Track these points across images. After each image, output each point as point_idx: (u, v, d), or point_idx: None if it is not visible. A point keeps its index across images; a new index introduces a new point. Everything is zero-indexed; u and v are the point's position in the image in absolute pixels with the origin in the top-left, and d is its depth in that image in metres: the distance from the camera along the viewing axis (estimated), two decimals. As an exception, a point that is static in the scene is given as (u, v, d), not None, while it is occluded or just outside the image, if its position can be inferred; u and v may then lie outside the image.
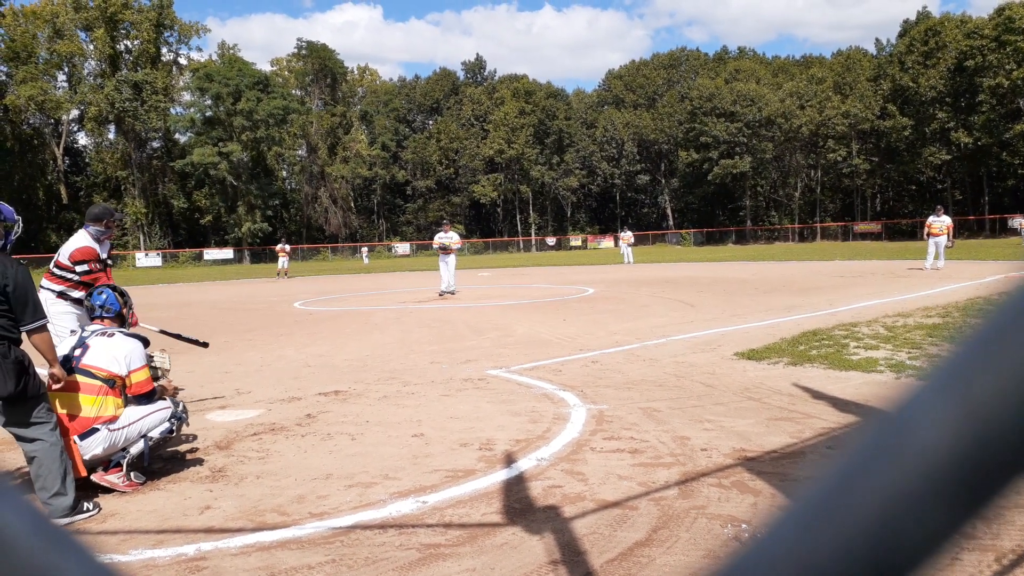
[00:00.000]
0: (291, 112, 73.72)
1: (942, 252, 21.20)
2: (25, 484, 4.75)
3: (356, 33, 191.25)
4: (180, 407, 4.95)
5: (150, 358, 5.12)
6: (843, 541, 0.29)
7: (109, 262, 6.44)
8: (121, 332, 4.89)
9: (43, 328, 4.20)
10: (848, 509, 0.29)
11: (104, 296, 5.01)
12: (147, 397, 4.76)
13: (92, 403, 4.56)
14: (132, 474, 4.62)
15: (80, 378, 4.59)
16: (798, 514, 0.30)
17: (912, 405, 0.30)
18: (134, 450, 4.63)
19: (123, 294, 5.11)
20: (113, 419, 4.59)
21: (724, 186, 77.18)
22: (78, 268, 6.07)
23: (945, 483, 0.28)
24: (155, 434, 4.73)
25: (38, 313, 4.17)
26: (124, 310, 5.06)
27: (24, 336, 4.17)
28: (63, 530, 0.33)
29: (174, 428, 4.85)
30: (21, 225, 4.79)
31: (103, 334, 4.81)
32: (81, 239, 6.22)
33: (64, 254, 6.15)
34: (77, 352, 4.68)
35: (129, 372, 4.70)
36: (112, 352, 4.70)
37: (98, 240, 6.22)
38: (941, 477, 0.28)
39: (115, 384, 4.66)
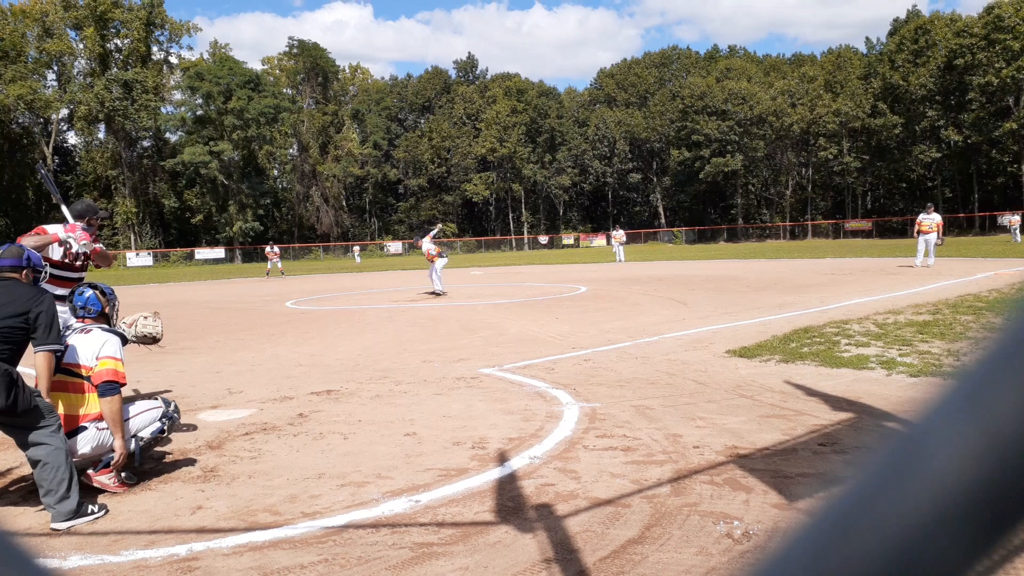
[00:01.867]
0: (282, 111, 73.52)
1: (932, 249, 21.32)
2: (21, 489, 4.73)
3: (346, 32, 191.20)
4: (171, 407, 4.93)
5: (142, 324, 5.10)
6: (855, 570, 0.27)
7: (88, 260, 6.28)
8: (99, 327, 4.85)
9: (51, 352, 4.37)
10: (861, 535, 0.27)
11: (86, 295, 4.98)
12: (110, 388, 4.56)
13: (78, 401, 4.56)
14: (123, 474, 4.60)
15: (65, 377, 4.59)
16: (808, 539, 0.28)
17: (929, 425, 0.28)
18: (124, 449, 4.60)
19: (105, 292, 5.06)
20: (101, 417, 4.57)
21: (716, 184, 77.38)
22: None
23: (965, 510, 0.26)
24: (145, 434, 4.71)
25: (54, 337, 4.37)
26: (107, 308, 5.03)
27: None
28: (10, 540, 0.32)
29: (165, 428, 4.82)
30: (48, 272, 4.96)
31: (82, 331, 4.80)
32: (49, 225, 6.10)
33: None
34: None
35: (97, 358, 4.62)
36: (88, 347, 4.67)
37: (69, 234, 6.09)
38: (960, 503, 0.26)
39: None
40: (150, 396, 5.24)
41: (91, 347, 4.68)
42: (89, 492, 4.44)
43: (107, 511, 4.16)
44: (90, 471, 4.53)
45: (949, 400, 0.28)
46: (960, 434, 0.27)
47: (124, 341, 4.93)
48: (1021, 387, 0.26)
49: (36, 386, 4.34)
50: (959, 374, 0.28)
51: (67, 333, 4.82)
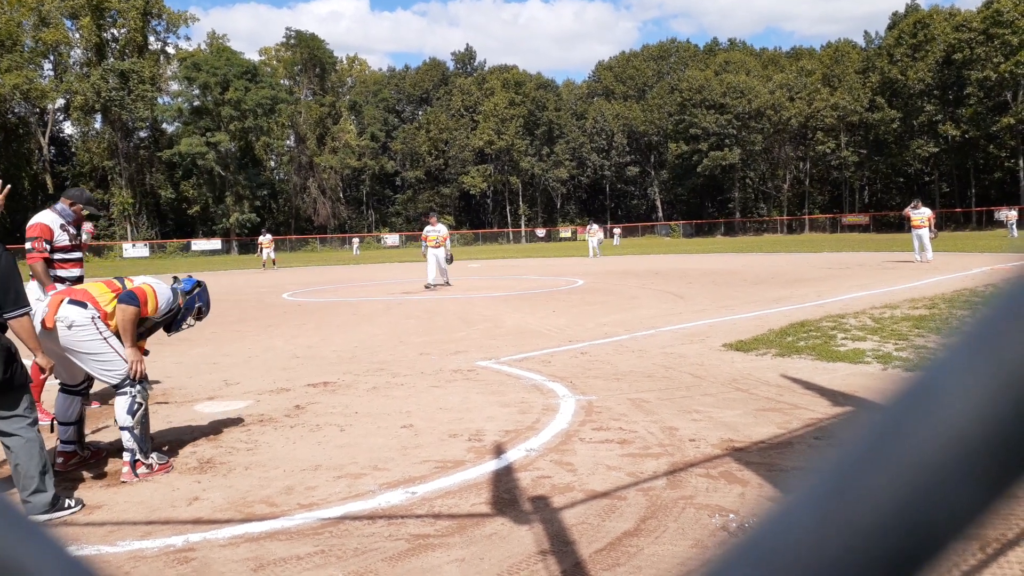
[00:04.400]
0: (279, 102, 73.25)
1: (927, 244, 21.21)
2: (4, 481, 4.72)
3: (342, 23, 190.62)
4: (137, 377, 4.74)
5: None
6: (864, 519, 0.26)
7: (81, 253, 6.62)
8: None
9: (24, 315, 4.11)
10: (870, 484, 0.27)
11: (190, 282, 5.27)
12: (130, 297, 4.72)
13: (101, 291, 4.74)
14: (154, 457, 4.64)
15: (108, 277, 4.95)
16: (816, 489, 0.28)
17: (941, 370, 0.27)
18: (130, 445, 4.56)
19: (198, 300, 5.25)
20: (106, 318, 4.63)
21: (713, 178, 77.35)
22: (26, 245, 6.21)
23: (977, 456, 0.26)
24: (127, 421, 4.58)
25: (20, 300, 4.09)
26: (182, 302, 5.17)
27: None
28: (32, 521, 0.32)
29: (136, 395, 4.64)
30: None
31: None
32: (41, 215, 6.37)
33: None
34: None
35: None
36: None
37: (63, 218, 6.35)
38: (973, 450, 0.26)
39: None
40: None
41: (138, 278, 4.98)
42: (64, 485, 4.46)
43: (83, 506, 4.12)
44: (125, 471, 4.54)
45: (962, 344, 0.27)
46: (974, 378, 0.26)
47: (179, 317, 5.16)
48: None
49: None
50: (972, 319, 0.28)
51: None
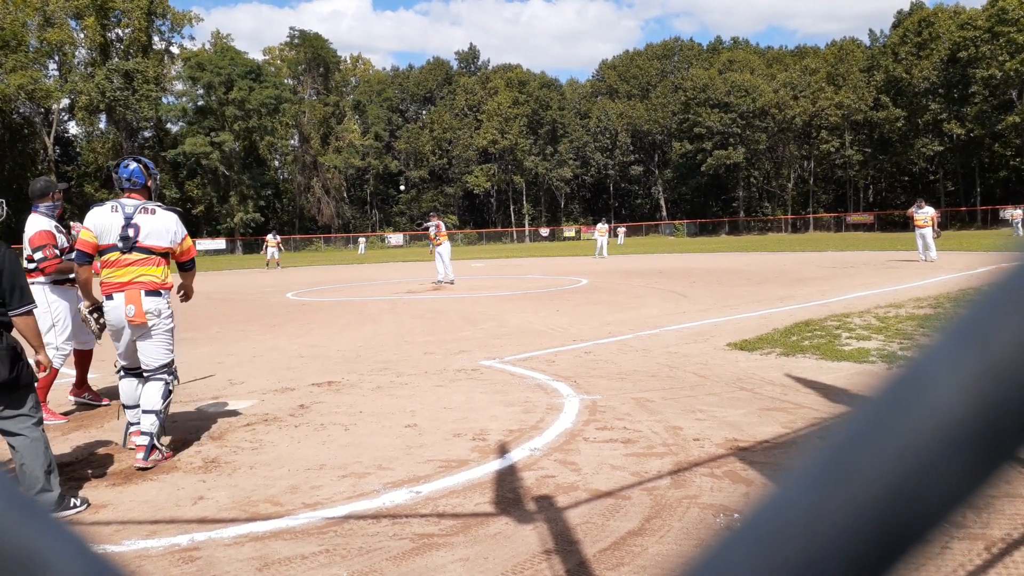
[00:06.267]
0: (283, 101, 73.32)
1: (931, 243, 21.13)
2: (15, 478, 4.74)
3: (344, 22, 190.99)
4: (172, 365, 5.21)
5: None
6: (854, 503, 0.27)
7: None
8: (159, 207, 5.14)
9: (29, 313, 4.17)
10: (860, 470, 0.27)
11: (131, 168, 5.14)
12: (192, 263, 5.40)
13: (157, 272, 5.03)
14: (164, 449, 4.91)
15: (139, 255, 4.97)
16: (807, 475, 0.29)
17: (928, 360, 0.28)
18: (152, 429, 4.82)
19: (148, 166, 5.25)
20: (170, 288, 5.10)
21: (717, 177, 77.25)
22: (35, 255, 6.11)
23: (963, 442, 0.26)
24: (157, 405, 4.93)
25: (25, 298, 4.14)
26: (150, 182, 5.21)
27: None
28: (52, 518, 0.31)
29: (170, 385, 5.08)
30: (4, 209, 5.06)
31: (145, 211, 5.04)
32: (37, 222, 6.24)
33: (26, 243, 6.22)
34: (131, 232, 4.95)
35: (179, 243, 5.15)
36: (163, 227, 5.05)
37: (51, 217, 6.31)
38: (959, 436, 0.26)
39: (168, 256, 5.14)
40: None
41: (165, 225, 5.06)
42: (69, 484, 4.47)
43: (88, 505, 4.14)
44: (140, 457, 4.71)
45: (949, 335, 0.28)
46: (960, 368, 0.27)
47: (181, 216, 5.40)
48: (1018, 323, 0.27)
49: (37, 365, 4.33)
50: (959, 312, 0.29)
51: (128, 212, 5.02)
